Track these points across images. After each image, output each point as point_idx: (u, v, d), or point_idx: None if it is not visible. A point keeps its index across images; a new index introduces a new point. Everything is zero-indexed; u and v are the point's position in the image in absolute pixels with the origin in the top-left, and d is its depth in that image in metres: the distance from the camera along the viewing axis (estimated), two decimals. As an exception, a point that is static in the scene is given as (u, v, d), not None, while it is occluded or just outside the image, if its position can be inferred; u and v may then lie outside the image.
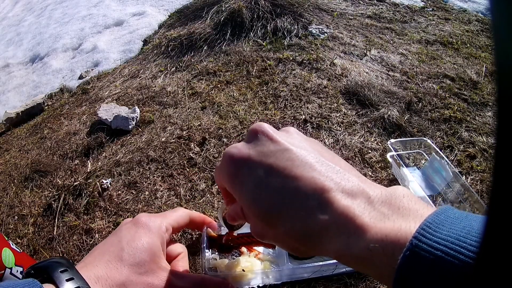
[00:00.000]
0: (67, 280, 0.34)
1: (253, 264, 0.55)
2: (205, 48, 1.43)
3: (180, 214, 0.55)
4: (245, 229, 0.59)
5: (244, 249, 0.58)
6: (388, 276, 0.22)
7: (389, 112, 0.95)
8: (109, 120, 1.04)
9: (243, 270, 0.53)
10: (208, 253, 0.56)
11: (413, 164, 0.82)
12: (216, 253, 0.57)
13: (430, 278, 0.20)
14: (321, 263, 0.54)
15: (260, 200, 0.29)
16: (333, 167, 0.29)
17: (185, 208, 0.72)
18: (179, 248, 0.53)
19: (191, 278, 0.47)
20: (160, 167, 0.85)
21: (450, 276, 0.20)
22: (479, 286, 0.17)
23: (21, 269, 0.55)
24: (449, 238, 0.21)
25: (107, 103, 1.18)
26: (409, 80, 1.14)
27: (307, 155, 0.29)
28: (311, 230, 0.26)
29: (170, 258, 0.50)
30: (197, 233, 0.68)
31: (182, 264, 0.50)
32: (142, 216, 0.49)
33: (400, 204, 0.25)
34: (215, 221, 0.66)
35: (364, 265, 0.25)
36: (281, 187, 0.28)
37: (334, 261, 0.55)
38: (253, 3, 1.54)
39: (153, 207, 0.75)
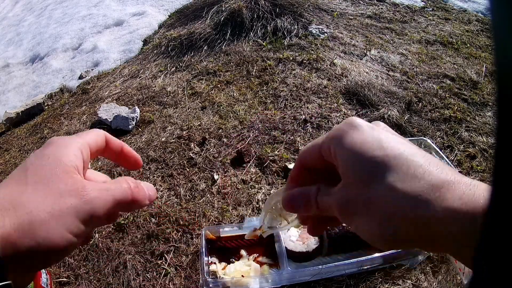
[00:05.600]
0: None
1: (252, 267, 0.55)
2: (205, 48, 1.43)
3: (96, 133, 0.47)
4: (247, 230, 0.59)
5: (243, 252, 0.58)
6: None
7: (389, 112, 0.95)
8: (109, 120, 1.04)
9: (242, 276, 0.53)
10: (206, 258, 0.56)
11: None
12: (215, 257, 0.57)
13: None
14: (320, 266, 0.54)
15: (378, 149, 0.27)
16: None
17: (183, 207, 0.72)
18: (103, 177, 0.45)
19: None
20: (160, 167, 0.85)
21: None
22: None
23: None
24: None
25: (107, 103, 1.18)
26: (409, 80, 1.14)
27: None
28: (424, 186, 0.24)
29: None
30: (197, 233, 0.67)
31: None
32: (53, 138, 0.45)
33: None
34: (215, 222, 0.65)
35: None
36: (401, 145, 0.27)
37: (334, 264, 0.55)
38: (253, 3, 1.54)
39: (153, 207, 0.75)
